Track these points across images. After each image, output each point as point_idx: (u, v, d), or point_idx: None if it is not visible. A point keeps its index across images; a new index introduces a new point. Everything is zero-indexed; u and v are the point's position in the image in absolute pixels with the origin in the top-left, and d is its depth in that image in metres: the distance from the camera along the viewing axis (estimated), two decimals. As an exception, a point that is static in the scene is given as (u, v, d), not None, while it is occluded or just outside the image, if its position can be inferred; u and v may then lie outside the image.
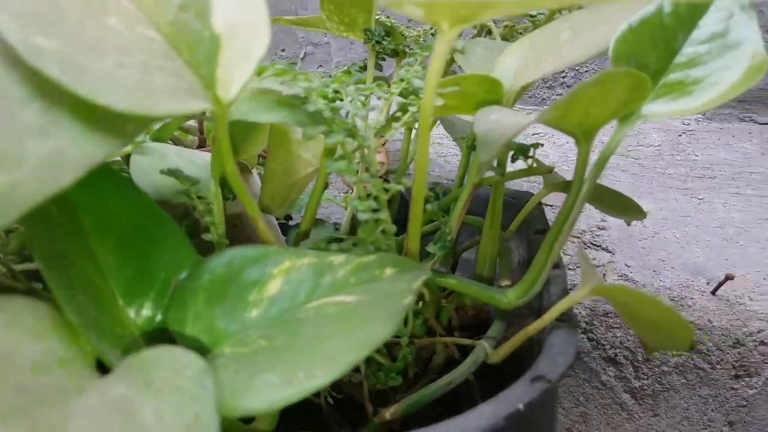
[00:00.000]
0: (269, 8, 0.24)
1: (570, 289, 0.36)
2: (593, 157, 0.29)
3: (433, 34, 0.58)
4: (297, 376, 0.21)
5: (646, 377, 0.64)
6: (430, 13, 0.23)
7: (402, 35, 0.55)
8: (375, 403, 0.35)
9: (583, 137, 0.31)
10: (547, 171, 0.35)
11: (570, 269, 0.64)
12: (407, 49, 0.54)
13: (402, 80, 0.33)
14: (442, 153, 0.78)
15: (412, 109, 0.31)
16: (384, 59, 0.56)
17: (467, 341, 0.34)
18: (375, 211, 0.28)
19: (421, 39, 0.57)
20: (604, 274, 0.63)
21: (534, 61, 0.35)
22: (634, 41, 0.31)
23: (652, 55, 0.32)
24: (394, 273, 0.27)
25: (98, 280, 0.23)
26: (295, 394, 0.21)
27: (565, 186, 0.41)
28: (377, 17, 0.52)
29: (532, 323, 0.31)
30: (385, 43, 0.51)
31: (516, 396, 0.26)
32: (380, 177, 0.30)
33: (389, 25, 0.54)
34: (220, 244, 0.30)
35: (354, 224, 0.50)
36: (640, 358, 0.63)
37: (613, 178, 0.75)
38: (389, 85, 0.35)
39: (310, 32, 0.82)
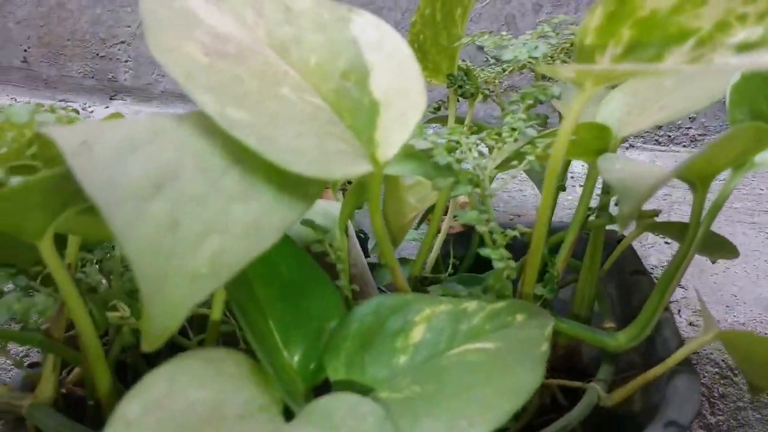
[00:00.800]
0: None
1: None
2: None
3: (505, 74, 0.60)
4: (459, 423, 0.23)
5: (721, 413, 0.63)
6: (579, 77, 0.25)
7: (476, 77, 0.57)
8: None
9: (701, 184, 0.32)
10: (653, 215, 0.35)
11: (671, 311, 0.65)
12: (485, 91, 0.56)
13: (514, 129, 0.34)
14: (506, 188, 0.79)
15: (529, 157, 0.32)
16: (458, 100, 0.58)
17: (576, 384, 0.35)
18: (507, 259, 0.29)
19: (495, 80, 0.58)
20: (679, 310, 0.63)
21: (638, 108, 0.36)
22: (747, 90, 0.32)
23: (764, 104, 0.33)
24: (524, 319, 0.28)
25: (265, 328, 0.25)
26: (460, 441, 0.22)
27: (663, 227, 0.42)
28: (455, 61, 0.54)
29: (651, 369, 0.31)
30: (467, 87, 0.52)
31: (654, 442, 0.26)
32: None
33: (466, 68, 0.56)
34: (348, 290, 0.31)
35: (437, 263, 0.52)
36: (716, 395, 0.62)
37: (681, 213, 0.75)
38: (498, 134, 0.36)
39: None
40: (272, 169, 0.22)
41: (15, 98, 0.93)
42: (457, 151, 0.33)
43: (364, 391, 0.25)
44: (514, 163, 0.33)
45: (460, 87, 0.53)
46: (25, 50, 0.92)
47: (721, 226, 0.74)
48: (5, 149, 0.24)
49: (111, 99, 0.92)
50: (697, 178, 0.31)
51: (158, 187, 0.20)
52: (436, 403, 0.24)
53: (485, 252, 0.29)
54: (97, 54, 0.91)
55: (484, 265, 0.34)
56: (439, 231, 0.52)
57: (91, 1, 0.88)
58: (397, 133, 0.25)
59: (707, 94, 0.32)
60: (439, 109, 0.61)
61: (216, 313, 0.27)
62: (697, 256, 0.62)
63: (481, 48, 0.89)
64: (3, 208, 0.21)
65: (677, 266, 0.33)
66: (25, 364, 0.38)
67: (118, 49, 0.87)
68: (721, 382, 0.62)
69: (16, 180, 0.23)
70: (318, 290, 0.27)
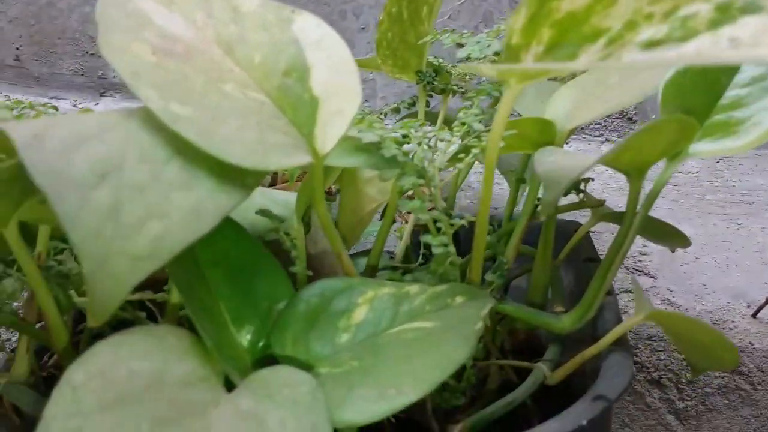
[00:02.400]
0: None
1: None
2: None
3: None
4: (388, 392, 0.25)
5: (689, 398, 0.65)
6: (501, 75, 0.26)
7: (448, 73, 0.59)
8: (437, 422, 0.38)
9: (636, 174, 0.34)
10: (598, 204, 0.37)
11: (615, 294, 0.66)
12: (454, 87, 0.58)
13: (463, 124, 0.36)
14: (497, 182, 0.81)
15: (474, 150, 0.34)
16: (431, 96, 0.60)
17: (525, 364, 0.37)
18: (446, 245, 0.31)
19: (467, 77, 0.60)
20: (633, 292, 0.65)
21: (584, 103, 0.38)
22: (680, 86, 0.34)
23: (697, 98, 0.35)
24: (464, 301, 0.30)
25: (214, 308, 0.27)
26: (387, 408, 0.24)
27: (612, 216, 0.43)
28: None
29: (588, 348, 0.33)
30: (435, 83, 0.54)
31: (579, 413, 0.28)
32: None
33: (437, 65, 0.58)
34: (303, 275, 0.33)
35: (407, 253, 0.54)
36: (683, 380, 0.64)
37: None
38: (450, 128, 0.38)
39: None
40: (213, 161, 0.24)
41: (8, 95, 0.96)
42: (407, 145, 0.35)
43: (306, 366, 0.27)
44: (461, 155, 0.35)
45: (429, 84, 0.54)
46: (17, 48, 0.94)
47: (692, 217, 0.76)
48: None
49: (101, 96, 0.94)
50: (630, 169, 0.33)
51: (102, 176, 0.22)
52: (370, 375, 0.26)
53: (425, 239, 0.31)
54: (87, 52, 0.93)
55: (458, 252, 0.36)
56: (406, 222, 0.54)
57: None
58: (336, 127, 0.27)
59: (642, 90, 0.34)
60: (413, 104, 0.63)
61: (174, 296, 0.29)
62: (664, 248, 0.64)
63: (461, 45, 0.90)
64: (-35, 197, 0.23)
65: (615, 251, 0.35)
66: (9, 349, 0.40)
67: (106, 47, 0.88)
68: (689, 368, 0.63)
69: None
70: (268, 273, 0.29)
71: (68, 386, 0.19)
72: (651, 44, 0.24)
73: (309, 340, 0.28)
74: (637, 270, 0.68)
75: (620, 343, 0.33)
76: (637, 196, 0.35)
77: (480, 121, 0.37)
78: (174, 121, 0.23)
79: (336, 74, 0.27)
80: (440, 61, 0.58)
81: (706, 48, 0.22)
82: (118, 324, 0.37)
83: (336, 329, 0.28)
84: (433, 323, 0.29)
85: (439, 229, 0.32)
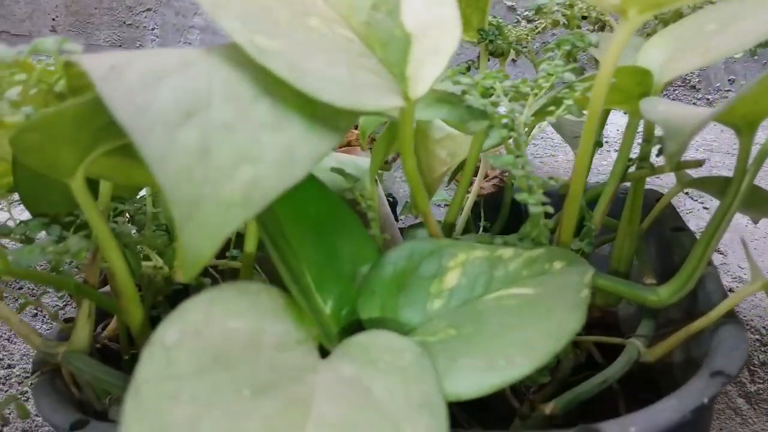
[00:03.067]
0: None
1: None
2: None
3: (538, 32, 0.58)
4: (498, 362, 0.22)
5: (761, 381, 0.61)
6: (625, 3, 0.23)
7: (508, 34, 0.55)
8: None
9: (747, 129, 0.30)
10: (697, 165, 0.34)
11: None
12: (517, 47, 0.54)
13: (551, 74, 0.33)
14: (537, 154, 0.77)
15: (567, 102, 0.31)
16: (489, 59, 0.56)
17: (616, 340, 0.34)
18: (544, 204, 0.28)
19: (528, 38, 0.56)
20: (747, 259, 0.61)
21: (681, 52, 0.35)
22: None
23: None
24: (563, 266, 0.28)
25: (298, 269, 0.24)
26: (499, 380, 0.21)
27: (701, 183, 0.40)
28: (487, 18, 0.53)
29: (695, 321, 0.30)
30: (499, 42, 0.51)
31: (699, 390, 0.25)
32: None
33: (496, 24, 0.54)
34: (379, 238, 0.31)
35: (467, 225, 0.51)
36: (755, 362, 0.60)
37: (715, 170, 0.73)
38: (533, 80, 0.35)
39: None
40: (302, 99, 0.21)
41: (45, 70, 0.95)
42: (492, 96, 0.32)
43: (399, 331, 0.25)
44: (551, 108, 0.32)
45: (492, 42, 0.51)
46: (53, 19, 0.92)
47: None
48: (34, 90, 0.24)
49: (138, 69, 0.92)
50: (741, 123, 0.30)
51: (188, 114, 0.19)
52: (474, 344, 0.23)
53: (521, 197, 0.28)
54: (124, 22, 0.91)
55: (515, 228, 0.33)
56: (469, 192, 0.51)
57: (117, -31, 0.88)
58: (430, 67, 0.24)
59: (745, 38, 0.30)
60: (468, 69, 0.60)
61: (250, 246, 0.27)
62: (735, 222, 0.60)
63: (512, 9, 0.86)
64: (33, 141, 0.21)
65: (720, 219, 0.31)
66: (61, 317, 0.38)
67: (145, 17, 0.87)
68: (762, 349, 0.60)
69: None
70: (350, 233, 0.27)
71: (161, 346, 0.17)
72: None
73: (398, 307, 0.25)
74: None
75: (730, 316, 0.30)
76: (748, 154, 0.31)
77: (568, 72, 0.34)
78: (261, 54, 0.21)
79: (431, 6, 0.24)
80: (500, 21, 0.55)
81: None
82: (174, 295, 0.35)
83: (427, 294, 0.26)
84: (534, 290, 0.26)
85: (529, 187, 0.29)
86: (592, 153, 0.45)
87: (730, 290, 0.61)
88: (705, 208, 0.68)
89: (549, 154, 0.77)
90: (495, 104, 0.30)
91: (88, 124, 0.22)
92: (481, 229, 0.52)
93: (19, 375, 0.69)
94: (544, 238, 0.30)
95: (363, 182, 0.32)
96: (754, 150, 0.32)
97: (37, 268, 0.41)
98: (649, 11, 0.24)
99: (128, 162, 0.26)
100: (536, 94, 0.33)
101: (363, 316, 0.25)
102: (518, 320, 0.24)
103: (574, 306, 0.24)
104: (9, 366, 0.70)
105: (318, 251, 0.26)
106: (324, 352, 0.22)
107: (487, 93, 0.31)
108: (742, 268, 0.62)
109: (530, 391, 0.37)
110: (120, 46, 0.91)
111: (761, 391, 0.60)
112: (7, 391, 0.68)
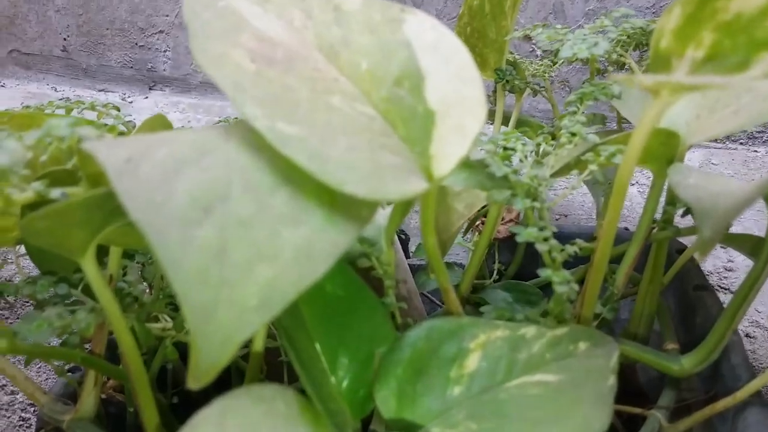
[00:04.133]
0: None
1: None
2: None
3: (553, 63, 0.57)
4: (521, 465, 0.21)
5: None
6: (656, 87, 0.22)
7: (523, 70, 0.54)
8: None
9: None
10: (726, 228, 0.33)
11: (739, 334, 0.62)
12: (535, 86, 0.53)
13: (574, 134, 0.32)
14: (564, 185, 0.76)
15: (592, 167, 0.30)
16: (505, 94, 0.55)
17: (637, 410, 0.33)
18: (569, 282, 0.27)
19: (545, 74, 0.55)
20: None
21: (707, 111, 0.34)
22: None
23: None
24: (587, 347, 0.26)
25: (313, 353, 0.23)
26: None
27: (732, 239, 0.39)
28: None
29: (721, 400, 0.29)
30: (516, 82, 0.50)
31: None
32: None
33: (513, 61, 0.53)
34: (394, 307, 0.30)
35: (482, 268, 0.50)
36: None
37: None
38: (553, 137, 0.34)
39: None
40: (322, 188, 0.20)
41: (55, 87, 0.94)
42: (512, 160, 0.31)
43: (414, 426, 0.24)
44: (574, 171, 0.31)
45: (509, 82, 0.50)
46: (65, 39, 0.92)
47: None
48: (45, 158, 0.23)
49: (150, 89, 0.92)
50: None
51: (206, 210, 0.18)
52: (495, 443, 0.22)
53: (545, 273, 0.27)
54: (136, 43, 0.91)
55: (530, 270, 0.32)
56: (479, 233, 0.50)
57: (129, -11, 0.87)
58: (455, 146, 0.23)
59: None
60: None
61: (258, 345, 0.26)
62: (750, 263, 0.59)
63: (527, 38, 0.85)
64: (44, 227, 0.20)
65: (750, 286, 0.30)
66: (67, 368, 0.37)
67: (157, 39, 0.86)
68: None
69: (56, 192, 0.22)
70: (366, 311, 0.26)
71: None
72: None
73: (416, 394, 0.24)
74: (722, 288, 0.63)
75: (756, 395, 0.29)
76: (781, 224, 0.30)
77: (590, 131, 0.33)
78: (283, 143, 0.20)
79: (455, 83, 0.24)
80: (516, 56, 0.54)
81: None
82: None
83: (447, 380, 0.25)
84: (558, 376, 0.25)
85: (553, 260, 0.28)
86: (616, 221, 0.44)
87: (747, 335, 0.59)
88: (722, 247, 0.67)
89: (563, 186, 0.76)
90: (516, 171, 0.29)
91: (101, 208, 0.21)
92: (495, 272, 0.51)
93: (22, 402, 0.68)
94: (568, 313, 0.29)
95: (379, 244, 0.31)
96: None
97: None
98: (680, 93, 0.23)
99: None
100: (557, 154, 0.32)
101: (379, 402, 0.24)
102: (542, 414, 0.23)
103: (600, 398, 0.23)
104: (12, 392, 0.69)
105: (333, 331, 0.25)
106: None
107: (508, 156, 0.30)
108: (759, 312, 0.61)
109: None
110: (131, 67, 0.91)
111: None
112: (9, 417, 0.67)
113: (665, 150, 0.32)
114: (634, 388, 0.39)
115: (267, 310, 0.18)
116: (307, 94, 0.22)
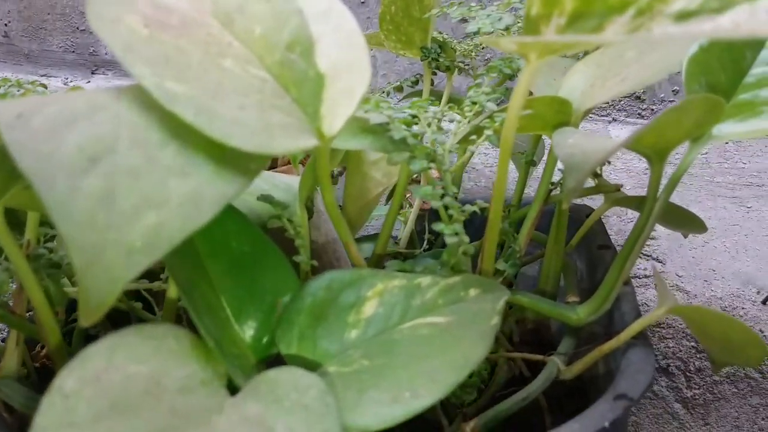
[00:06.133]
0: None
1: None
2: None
3: (482, 48, 0.59)
4: (403, 395, 0.23)
5: (697, 387, 0.64)
6: (521, 48, 0.24)
7: (453, 50, 0.56)
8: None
9: (657, 158, 0.32)
10: (614, 189, 0.36)
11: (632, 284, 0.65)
12: (460, 64, 0.55)
13: (474, 103, 0.34)
14: (488, 163, 0.79)
15: (488, 132, 0.32)
16: (435, 73, 0.57)
17: (537, 357, 0.35)
18: (458, 234, 0.29)
19: (473, 53, 0.58)
20: (656, 285, 0.64)
21: (600, 80, 0.36)
22: (704, 63, 0.32)
23: (721, 76, 0.33)
24: (478, 294, 0.29)
25: (216, 303, 0.25)
26: (402, 412, 0.22)
27: (627, 201, 0.42)
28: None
29: (606, 341, 0.32)
30: (441, 59, 0.52)
31: (601, 414, 0.27)
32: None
33: (441, 41, 0.55)
34: (306, 266, 0.32)
35: (412, 238, 0.52)
36: (692, 369, 0.63)
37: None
38: (459, 107, 0.36)
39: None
40: (212, 144, 0.22)
41: (-4, 74, 0.93)
42: (415, 126, 0.33)
43: (314, 365, 0.26)
44: (473, 137, 0.33)
45: (434, 60, 0.52)
46: (6, 24, 0.90)
47: (702, 200, 0.74)
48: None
49: (92, 73, 0.91)
50: (651, 152, 0.31)
51: (93, 160, 0.20)
52: (383, 376, 0.24)
53: (438, 227, 0.29)
54: (78, 28, 0.90)
55: None
56: (411, 206, 0.52)
57: (70, -27, 0.86)
58: (344, 107, 0.25)
59: (665, 65, 0.32)
60: (416, 82, 0.61)
61: (172, 291, 0.28)
62: (672, 232, 0.62)
63: (464, 20, 0.87)
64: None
65: (635, 239, 0.33)
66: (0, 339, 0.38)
67: (98, 24, 0.85)
68: (697, 356, 0.63)
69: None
70: (271, 265, 0.27)
71: (59, 394, 0.18)
72: (684, 15, 0.22)
73: (316, 337, 0.26)
74: (645, 255, 0.67)
75: (640, 337, 0.32)
76: (659, 181, 0.33)
77: (491, 100, 0.35)
78: (170, 100, 0.21)
79: (344, 49, 0.25)
80: (444, 36, 0.56)
81: (744, 20, 0.20)
82: (112, 315, 0.35)
83: (345, 324, 0.27)
84: (447, 318, 0.27)
85: (450, 216, 0.31)
86: (525, 173, 0.46)
87: (668, 298, 0.63)
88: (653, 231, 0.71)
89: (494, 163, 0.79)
90: (416, 136, 0.31)
91: (2, 166, 0.22)
92: (425, 242, 0.53)
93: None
94: (464, 266, 0.31)
95: (293, 208, 0.33)
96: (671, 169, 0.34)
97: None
98: (546, 55, 0.25)
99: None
100: (460, 123, 0.34)
101: (282, 347, 0.26)
102: (428, 350, 0.25)
103: (481, 335, 0.26)
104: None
105: (238, 283, 0.26)
106: (236, 390, 0.22)
107: (410, 123, 0.32)
108: (680, 277, 0.65)
109: (464, 405, 0.38)
110: (73, 52, 0.90)
111: (697, 396, 0.62)
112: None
113: (559, 117, 0.35)
114: (546, 341, 0.41)
115: (153, 252, 0.20)
116: (200, 56, 0.24)
